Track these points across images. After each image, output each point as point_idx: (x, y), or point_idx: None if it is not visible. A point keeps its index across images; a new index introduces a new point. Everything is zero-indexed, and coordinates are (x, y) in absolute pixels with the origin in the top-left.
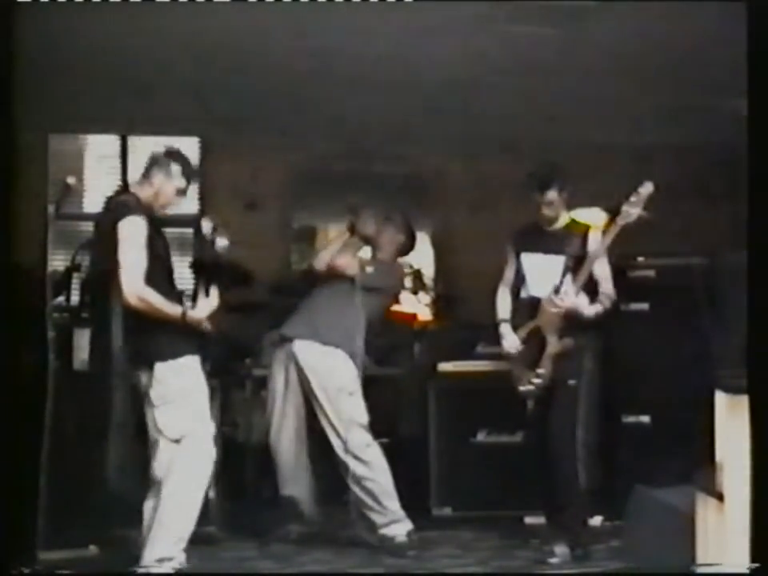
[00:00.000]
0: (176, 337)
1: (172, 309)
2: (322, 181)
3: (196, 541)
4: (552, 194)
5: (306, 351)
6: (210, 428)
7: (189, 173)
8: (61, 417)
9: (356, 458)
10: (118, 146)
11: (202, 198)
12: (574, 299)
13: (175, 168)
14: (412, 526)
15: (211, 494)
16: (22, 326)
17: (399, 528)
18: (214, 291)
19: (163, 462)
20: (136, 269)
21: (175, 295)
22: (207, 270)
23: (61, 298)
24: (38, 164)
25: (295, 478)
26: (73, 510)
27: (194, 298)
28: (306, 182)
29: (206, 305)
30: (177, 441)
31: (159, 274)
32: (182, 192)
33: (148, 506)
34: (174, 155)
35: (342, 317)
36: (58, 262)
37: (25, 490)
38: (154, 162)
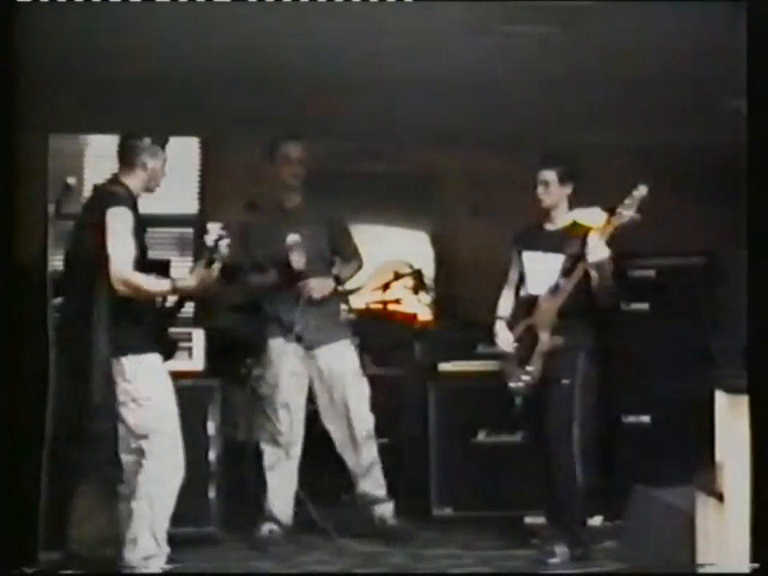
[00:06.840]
0: (138, 333)
1: (160, 284)
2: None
3: (196, 541)
4: (549, 174)
5: None
6: (176, 426)
7: (161, 142)
8: (61, 416)
9: None
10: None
11: (202, 197)
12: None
13: (149, 145)
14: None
15: (211, 494)
16: (22, 325)
17: None
18: (216, 266)
19: (132, 459)
20: (126, 257)
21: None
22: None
23: (61, 298)
24: (38, 164)
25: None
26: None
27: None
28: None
29: (200, 273)
30: (144, 437)
31: (140, 261)
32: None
33: (123, 503)
34: (139, 137)
35: None
36: (58, 262)
37: (25, 489)
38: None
